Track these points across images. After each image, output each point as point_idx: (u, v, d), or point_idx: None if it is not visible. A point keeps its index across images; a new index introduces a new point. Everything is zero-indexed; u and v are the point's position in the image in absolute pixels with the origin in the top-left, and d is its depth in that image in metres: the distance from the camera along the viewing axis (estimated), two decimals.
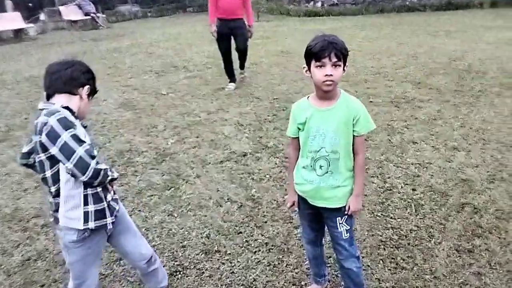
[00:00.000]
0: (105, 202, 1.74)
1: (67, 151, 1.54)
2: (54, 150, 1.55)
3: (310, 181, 1.91)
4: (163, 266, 2.44)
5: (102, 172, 1.62)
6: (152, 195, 3.29)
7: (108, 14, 17.49)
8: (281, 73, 7.02)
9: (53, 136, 1.55)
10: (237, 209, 3.03)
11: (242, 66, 6.65)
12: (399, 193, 3.17)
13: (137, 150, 4.16)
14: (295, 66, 7.43)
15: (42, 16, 15.89)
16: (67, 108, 1.69)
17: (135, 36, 12.62)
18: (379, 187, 3.26)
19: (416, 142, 4.03)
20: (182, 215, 2.99)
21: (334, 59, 1.72)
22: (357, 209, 1.92)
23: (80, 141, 1.58)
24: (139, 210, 3.08)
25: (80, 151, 1.56)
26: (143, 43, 10.94)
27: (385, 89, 5.75)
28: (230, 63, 6.32)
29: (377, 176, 3.43)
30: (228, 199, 3.18)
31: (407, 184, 3.29)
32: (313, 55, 1.75)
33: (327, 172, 1.87)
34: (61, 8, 15.83)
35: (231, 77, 6.38)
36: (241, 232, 2.76)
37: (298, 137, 1.95)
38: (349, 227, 1.95)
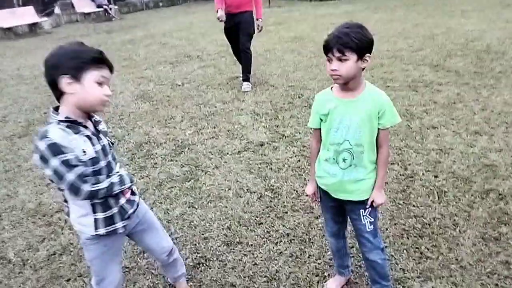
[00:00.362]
0: (115, 208, 1.68)
1: (59, 176, 1.46)
2: (47, 172, 1.48)
3: (333, 174, 1.89)
4: (186, 259, 2.47)
5: (101, 191, 1.54)
6: (172, 187, 3.31)
7: (120, 5, 17.51)
8: (295, 60, 6.94)
9: (44, 160, 1.46)
10: (257, 200, 3.03)
11: (244, 75, 5.74)
12: (420, 180, 3.12)
13: (155, 142, 4.18)
14: (309, 52, 7.34)
15: (56, 10, 15.98)
16: (65, 118, 1.52)
17: (147, 27, 12.63)
18: (400, 175, 3.21)
19: (436, 127, 3.95)
20: (203, 207, 3.01)
21: (337, 54, 1.67)
22: (382, 202, 1.89)
23: (70, 167, 1.46)
24: (160, 203, 3.11)
25: (69, 177, 1.45)
26: (156, 34, 10.94)
27: (402, 73, 5.64)
28: None
29: (398, 163, 3.37)
30: (247, 189, 3.18)
31: (428, 170, 3.23)
32: (323, 49, 1.73)
33: (350, 165, 1.84)
34: (74, 1, 15.90)
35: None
36: (262, 223, 2.76)
37: (320, 128, 1.91)
38: (373, 219, 1.93)
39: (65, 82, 1.48)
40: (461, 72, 5.45)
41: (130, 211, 1.76)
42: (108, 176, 1.60)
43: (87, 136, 1.57)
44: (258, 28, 5.67)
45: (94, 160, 1.56)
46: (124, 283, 2.32)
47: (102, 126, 1.71)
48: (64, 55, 1.50)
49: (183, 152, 3.90)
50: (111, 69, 1.59)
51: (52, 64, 1.50)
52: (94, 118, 1.67)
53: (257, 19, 5.60)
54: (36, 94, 6.48)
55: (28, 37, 13.06)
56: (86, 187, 1.49)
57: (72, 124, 1.54)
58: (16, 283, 2.42)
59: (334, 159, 1.87)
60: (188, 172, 3.51)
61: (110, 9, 15.96)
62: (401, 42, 7.39)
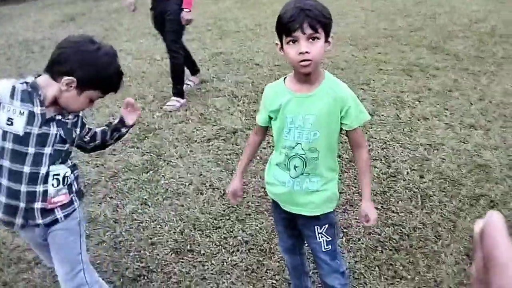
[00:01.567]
0: None
1: None
2: None
3: (283, 183, 1.56)
4: (126, 269, 2.16)
5: None
6: (127, 179, 2.98)
7: None
8: None
9: None
10: (219, 198, 2.70)
11: (173, 87, 4.19)
12: (404, 180, 2.78)
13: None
14: None
15: None
16: (33, 84, 1.43)
17: None
18: (381, 173, 2.87)
19: (427, 118, 3.58)
20: (157, 205, 2.68)
21: (309, 31, 1.31)
22: (375, 218, 1.60)
23: None
24: (111, 197, 2.78)
25: None
26: (145, 3, 10.31)
27: (398, 55, 5.21)
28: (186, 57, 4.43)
29: (381, 159, 3.03)
30: (210, 185, 2.84)
31: (414, 169, 2.89)
32: (283, 27, 1.34)
33: (302, 173, 1.50)
34: None
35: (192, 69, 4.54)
36: (219, 227, 2.44)
37: (266, 127, 1.58)
38: (330, 238, 1.60)
39: (68, 82, 1.42)
40: (460, 55, 5.03)
41: (3, 215, 1.49)
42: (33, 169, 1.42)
43: (30, 112, 1.40)
44: (184, 22, 4.02)
45: (17, 139, 1.40)
46: None
47: (69, 116, 1.52)
48: (91, 63, 1.44)
49: (147, 138, 3.54)
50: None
51: (75, 59, 1.42)
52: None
53: (182, 9, 3.87)
54: (7, 66, 6.07)
55: (12, 4, 12.42)
56: None
57: (30, 92, 1.41)
58: None
59: (285, 165, 1.53)
60: (148, 162, 3.16)
61: None
62: (400, 20, 6.90)
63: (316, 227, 1.59)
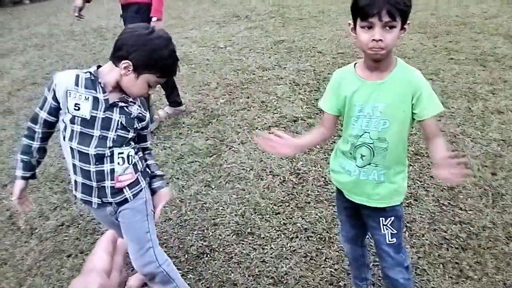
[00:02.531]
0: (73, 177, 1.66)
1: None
2: None
3: (348, 171, 1.55)
4: (191, 246, 2.28)
5: (23, 146, 1.63)
6: (193, 162, 3.11)
7: None
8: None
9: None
10: (278, 185, 2.74)
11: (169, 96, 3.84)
12: (474, 177, 2.64)
13: (185, 109, 3.97)
14: None
15: None
16: (94, 72, 1.53)
17: None
18: None
19: (502, 112, 3.35)
20: (220, 187, 2.78)
21: (387, 18, 1.28)
22: (450, 176, 1.29)
23: (42, 105, 1.57)
24: (177, 178, 2.92)
25: (35, 111, 1.60)
26: None
27: (470, 44, 4.88)
28: None
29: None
30: (270, 171, 2.89)
31: (485, 166, 2.73)
32: (359, 10, 1.32)
33: (370, 163, 1.48)
34: None
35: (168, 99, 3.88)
36: (279, 213, 2.48)
37: (334, 116, 1.56)
38: (395, 231, 1.57)
39: (125, 65, 1.48)
40: None
41: (80, 195, 1.63)
42: (99, 150, 1.54)
43: (94, 98, 1.52)
44: None
45: (85, 122, 1.51)
46: None
47: (133, 108, 1.61)
48: (144, 45, 1.48)
49: (210, 123, 3.65)
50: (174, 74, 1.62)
51: (130, 43, 1.48)
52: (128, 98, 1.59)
53: (151, 17, 3.22)
54: (83, 51, 6.50)
55: None
56: (26, 127, 1.61)
57: (93, 80, 1.52)
58: (20, 253, 2.38)
59: (351, 153, 1.52)
60: (212, 146, 3.28)
61: None
62: (473, 6, 6.45)
63: (381, 218, 1.57)
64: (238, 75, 4.72)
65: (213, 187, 2.79)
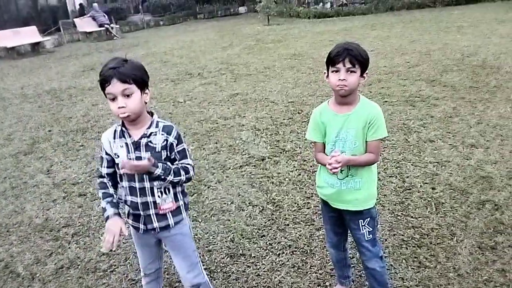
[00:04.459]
0: (126, 208, 1.93)
1: None
2: None
3: (331, 184, 1.98)
4: None
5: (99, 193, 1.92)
6: None
7: (121, 24, 17.83)
8: (294, 76, 7.08)
9: None
10: (259, 213, 3.11)
11: None
12: (418, 192, 3.20)
13: None
14: (307, 69, 7.49)
15: (60, 28, 16.27)
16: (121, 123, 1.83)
17: (149, 45, 12.85)
18: (398, 187, 3.29)
19: (433, 141, 4.04)
20: (206, 220, 3.08)
21: (348, 65, 1.79)
22: (331, 162, 1.80)
23: (100, 162, 1.90)
24: None
25: (99, 167, 1.91)
26: (158, 52, 11.14)
27: (399, 88, 5.76)
28: None
29: (396, 176, 3.46)
30: (249, 203, 3.25)
31: (426, 183, 3.31)
32: (330, 60, 1.83)
33: (347, 175, 1.93)
34: (76, 20, 16.21)
35: None
36: (264, 235, 2.83)
37: (322, 143, 1.99)
38: (371, 229, 2.00)
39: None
40: (457, 86, 5.58)
41: (131, 222, 1.91)
42: (140, 185, 1.82)
43: (126, 144, 1.80)
44: None
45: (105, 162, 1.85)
46: None
47: (154, 139, 1.79)
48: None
49: None
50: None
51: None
52: (149, 129, 1.79)
53: None
54: (40, 112, 6.59)
55: (30, 56, 13.28)
56: (97, 183, 1.91)
57: (122, 129, 1.81)
58: None
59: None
60: (191, 187, 3.59)
61: (112, 28, 16.25)
62: (398, 58, 7.55)
63: (360, 220, 1.99)
64: (203, 125, 5.13)
65: (200, 220, 3.09)
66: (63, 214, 3.39)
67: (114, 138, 1.83)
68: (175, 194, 1.89)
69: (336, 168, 1.77)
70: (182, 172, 1.82)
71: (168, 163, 1.81)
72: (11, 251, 2.95)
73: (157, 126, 1.81)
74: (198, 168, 3.93)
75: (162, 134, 1.80)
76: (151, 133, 1.80)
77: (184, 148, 1.86)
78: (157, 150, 1.81)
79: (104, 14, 16.53)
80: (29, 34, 14.13)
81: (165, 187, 1.84)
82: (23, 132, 5.64)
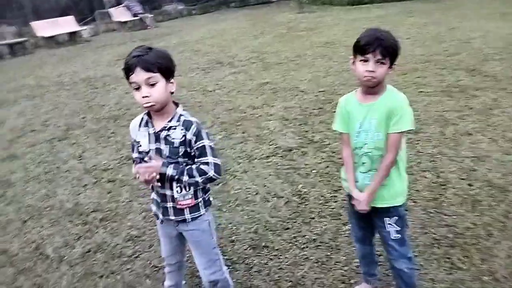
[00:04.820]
0: (153, 195, 1.92)
1: None
2: None
3: (356, 178, 1.88)
4: None
5: None
6: None
7: (155, 14, 18.01)
8: (326, 65, 6.90)
9: None
10: (284, 205, 3.04)
11: None
12: (454, 188, 3.03)
13: None
14: (340, 57, 7.27)
15: (95, 18, 16.67)
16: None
17: (181, 34, 12.92)
18: (432, 182, 3.13)
19: (471, 134, 3.82)
20: (231, 210, 3.06)
21: (379, 56, 1.68)
22: (359, 208, 1.87)
23: (131, 148, 1.91)
24: None
25: (131, 153, 1.92)
26: (189, 41, 11.18)
27: (436, 78, 5.49)
28: None
29: (430, 171, 3.29)
30: (274, 194, 3.19)
31: (462, 178, 3.13)
32: (358, 48, 1.72)
33: (370, 169, 1.83)
34: (111, 10, 16.51)
35: None
36: (288, 228, 2.77)
37: (347, 133, 1.91)
38: (399, 228, 1.90)
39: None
40: (498, 76, 5.25)
41: (154, 208, 1.92)
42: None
43: (149, 134, 1.78)
44: None
45: (146, 155, 1.79)
46: None
47: (173, 134, 1.74)
48: None
49: None
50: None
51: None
52: (170, 122, 1.75)
53: None
54: (75, 100, 6.77)
55: (68, 45, 13.67)
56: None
57: (147, 119, 1.81)
58: (53, 278, 2.56)
59: (356, 163, 1.87)
60: None
61: (146, 18, 16.46)
62: (435, 46, 7.20)
63: (385, 218, 1.89)
64: (231, 114, 5.10)
65: (224, 210, 3.06)
66: (92, 199, 3.47)
67: (140, 126, 1.82)
68: (195, 191, 1.84)
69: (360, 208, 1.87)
70: (196, 174, 1.73)
71: (183, 164, 1.76)
72: (42, 233, 3.04)
73: (178, 120, 1.76)
74: (224, 158, 3.90)
75: (182, 130, 1.74)
76: (171, 127, 1.75)
77: (204, 145, 1.75)
78: (175, 145, 1.75)
79: (139, 4, 16.76)
80: (67, 24, 14.52)
81: (184, 184, 1.79)
82: (59, 118, 5.81)
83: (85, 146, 4.69)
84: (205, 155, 1.75)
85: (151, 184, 1.81)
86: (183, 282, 2.25)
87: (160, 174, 1.73)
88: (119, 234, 2.94)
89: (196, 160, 1.77)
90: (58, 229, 3.06)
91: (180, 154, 1.75)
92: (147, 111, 1.79)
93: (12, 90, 8.13)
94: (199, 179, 1.74)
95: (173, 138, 1.74)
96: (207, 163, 1.74)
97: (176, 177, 1.72)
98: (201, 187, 1.84)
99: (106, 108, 6.01)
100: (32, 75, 9.58)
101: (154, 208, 1.94)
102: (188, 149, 1.76)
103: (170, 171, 1.72)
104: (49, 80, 8.57)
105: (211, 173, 1.75)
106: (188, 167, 1.74)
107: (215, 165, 1.76)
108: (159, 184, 1.79)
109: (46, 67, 10.15)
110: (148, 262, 2.60)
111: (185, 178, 1.73)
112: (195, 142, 1.74)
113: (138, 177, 1.74)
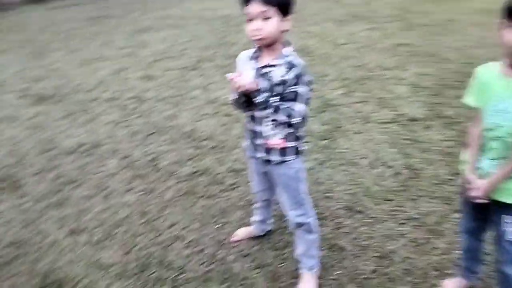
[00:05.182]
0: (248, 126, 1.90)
1: None
2: None
3: (479, 166, 1.62)
4: None
5: None
6: (307, 142, 3.33)
7: None
8: (479, 35, 5.98)
9: None
10: (391, 176, 2.84)
11: None
12: None
13: None
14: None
15: None
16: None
17: None
18: None
19: None
20: (333, 167, 2.97)
21: None
22: (475, 195, 1.63)
23: None
24: None
25: None
26: None
27: None
28: None
29: None
30: (384, 163, 2.99)
31: None
32: (508, 12, 1.39)
33: (500, 157, 1.54)
34: None
35: None
36: (390, 200, 2.59)
37: (479, 108, 1.63)
38: None
39: None
40: None
41: (247, 144, 1.91)
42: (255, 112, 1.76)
43: (253, 67, 1.74)
44: None
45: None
46: None
47: (274, 72, 1.69)
48: None
49: (326, 111, 3.85)
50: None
51: None
52: (274, 60, 1.69)
53: None
54: (210, 34, 7.13)
55: None
56: None
57: (255, 54, 1.76)
58: (161, 188, 2.87)
59: (483, 146, 1.59)
60: (327, 131, 3.47)
61: None
62: None
63: (504, 215, 1.61)
64: (356, 71, 4.83)
65: (326, 166, 2.99)
66: (208, 128, 3.71)
67: (249, 59, 1.78)
68: (285, 135, 1.77)
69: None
70: (283, 113, 1.65)
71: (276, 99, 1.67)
72: (160, 148, 3.39)
73: (283, 59, 1.67)
74: (338, 114, 3.76)
75: (284, 69, 1.66)
76: (274, 65, 1.69)
77: (298, 92, 1.64)
78: (272, 83, 1.68)
79: None
80: None
81: (276, 123, 1.73)
82: (193, 49, 6.22)
83: (212, 79, 4.96)
84: (295, 101, 1.66)
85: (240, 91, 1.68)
86: (271, 220, 2.30)
87: (249, 96, 1.66)
88: (224, 164, 3.11)
89: (286, 102, 1.67)
90: (173, 148, 3.37)
91: (274, 93, 1.68)
92: (258, 45, 1.73)
93: (159, 18, 8.91)
94: (285, 118, 1.66)
95: (273, 76, 1.69)
96: (294, 110, 1.66)
97: (263, 105, 1.65)
98: (293, 131, 1.77)
99: (236, 46, 6.20)
100: (179, 6, 10.32)
101: (247, 143, 1.95)
102: (284, 90, 1.67)
103: (259, 98, 1.63)
104: (191, 13, 9.14)
105: (297, 119, 1.67)
106: (278, 103, 1.67)
107: (302, 114, 1.67)
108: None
109: (192, 1, 10.80)
110: (244, 194, 2.71)
111: (270, 110, 1.65)
112: (294, 85, 1.65)
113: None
